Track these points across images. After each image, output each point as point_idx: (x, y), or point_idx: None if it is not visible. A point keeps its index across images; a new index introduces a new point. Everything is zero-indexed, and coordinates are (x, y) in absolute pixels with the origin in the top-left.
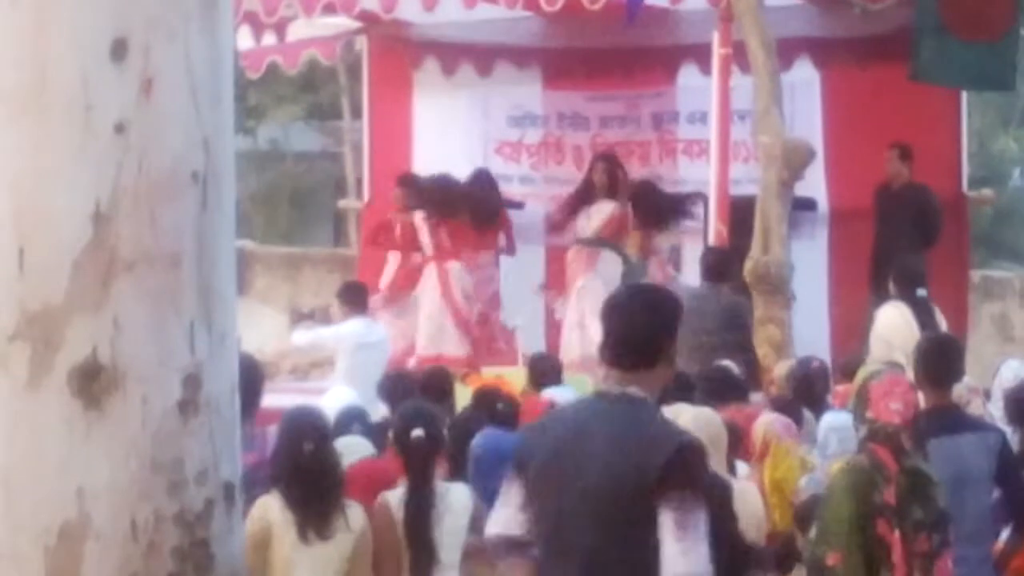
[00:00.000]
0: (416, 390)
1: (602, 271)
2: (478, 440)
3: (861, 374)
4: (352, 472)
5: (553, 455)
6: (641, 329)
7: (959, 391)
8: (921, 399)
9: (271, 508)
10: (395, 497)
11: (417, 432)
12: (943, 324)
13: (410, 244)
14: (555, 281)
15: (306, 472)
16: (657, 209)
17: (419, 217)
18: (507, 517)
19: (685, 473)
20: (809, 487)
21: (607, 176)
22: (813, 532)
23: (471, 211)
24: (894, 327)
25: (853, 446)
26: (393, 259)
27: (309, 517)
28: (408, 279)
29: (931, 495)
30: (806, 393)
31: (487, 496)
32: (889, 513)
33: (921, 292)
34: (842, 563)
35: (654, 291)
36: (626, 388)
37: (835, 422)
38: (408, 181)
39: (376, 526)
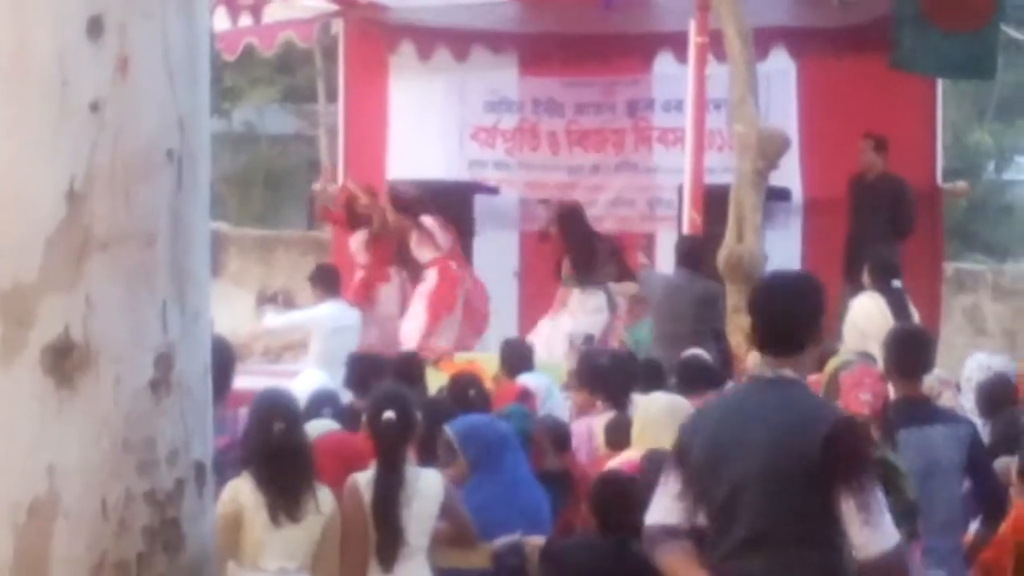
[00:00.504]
0: (383, 372)
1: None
2: (457, 424)
3: (832, 364)
4: (320, 446)
5: (714, 441)
6: (789, 315)
7: (931, 383)
8: (891, 390)
9: (242, 491)
10: (364, 478)
11: (388, 414)
12: (916, 315)
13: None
14: (529, 268)
15: (277, 453)
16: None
17: (429, 220)
18: (664, 507)
19: (847, 448)
20: None
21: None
22: None
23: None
24: (869, 317)
25: None
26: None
27: (280, 499)
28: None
29: (900, 486)
30: None
31: (475, 476)
32: None
33: (896, 283)
34: None
35: (799, 278)
36: (779, 371)
37: None
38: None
39: (345, 507)
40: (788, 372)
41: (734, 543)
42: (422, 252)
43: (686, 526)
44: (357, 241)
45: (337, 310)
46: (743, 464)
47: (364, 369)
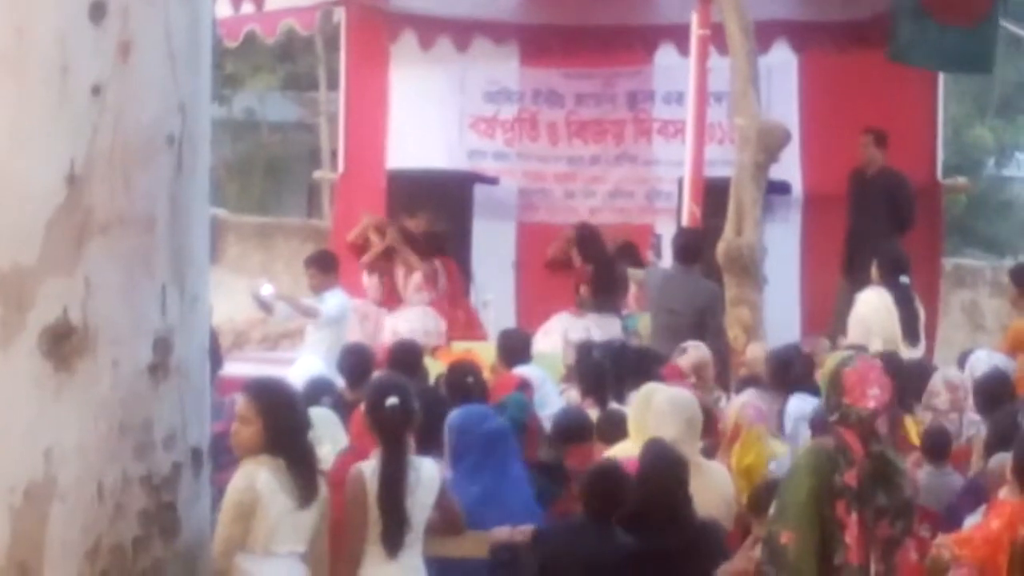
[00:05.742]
0: (375, 363)
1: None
2: (455, 415)
3: (831, 361)
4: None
5: None
6: None
7: (934, 382)
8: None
9: (258, 477)
10: (369, 468)
11: (392, 400)
12: (922, 311)
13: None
14: (527, 258)
15: (303, 436)
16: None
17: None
18: None
19: None
20: (779, 471)
21: (580, 252)
22: (772, 510)
23: None
24: (873, 312)
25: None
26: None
27: (302, 481)
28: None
29: (896, 482)
30: (782, 378)
31: (461, 469)
32: (849, 495)
33: (904, 279)
34: (794, 542)
35: None
36: None
37: (803, 410)
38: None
39: (349, 496)
40: None
41: None
42: (420, 295)
43: None
44: (372, 283)
45: (346, 298)
46: None
47: (359, 360)
